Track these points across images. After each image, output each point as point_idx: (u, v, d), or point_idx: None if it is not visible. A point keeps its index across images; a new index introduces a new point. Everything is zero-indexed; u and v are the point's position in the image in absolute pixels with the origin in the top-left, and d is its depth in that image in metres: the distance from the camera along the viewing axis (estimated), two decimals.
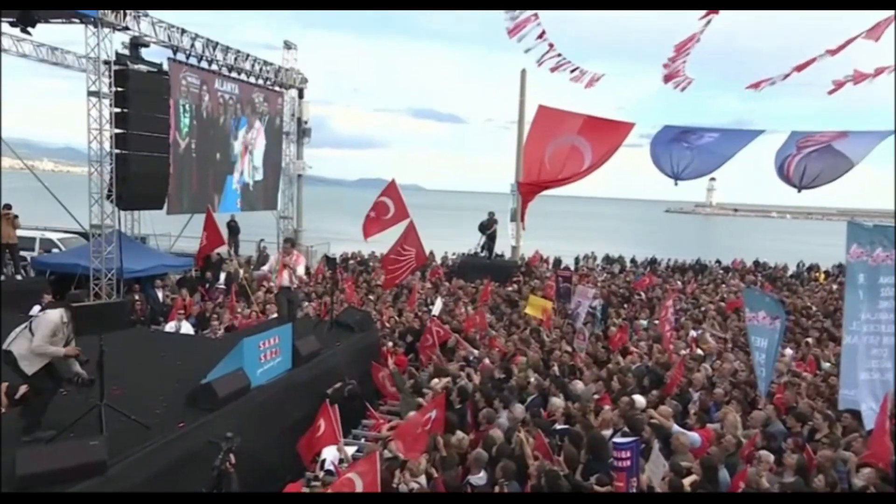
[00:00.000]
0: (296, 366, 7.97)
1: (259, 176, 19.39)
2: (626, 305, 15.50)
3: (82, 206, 13.30)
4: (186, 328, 10.94)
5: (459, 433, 6.97)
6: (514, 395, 8.24)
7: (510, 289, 16.85)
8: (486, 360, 9.96)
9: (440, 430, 6.77)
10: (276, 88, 20.32)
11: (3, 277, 11.64)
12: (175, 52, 15.11)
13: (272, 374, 7.48)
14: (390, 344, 11.04)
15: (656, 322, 12.63)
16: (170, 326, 10.95)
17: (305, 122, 22.48)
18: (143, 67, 13.77)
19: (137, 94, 13.21)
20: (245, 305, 13.05)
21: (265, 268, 10.10)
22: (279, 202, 21.22)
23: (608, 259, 24.99)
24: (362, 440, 7.79)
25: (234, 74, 17.77)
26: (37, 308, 9.46)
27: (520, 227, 21.36)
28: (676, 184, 18.43)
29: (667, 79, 11.61)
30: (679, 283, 19.11)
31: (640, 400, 7.74)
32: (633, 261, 24.26)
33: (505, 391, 8.28)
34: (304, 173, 22.98)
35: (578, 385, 8.59)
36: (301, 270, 10.40)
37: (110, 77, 12.76)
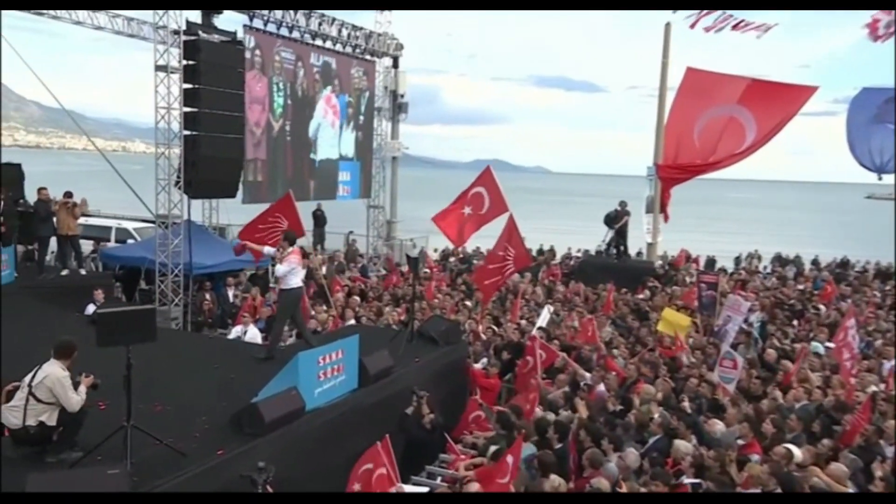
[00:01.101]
0: (362, 385, 7.88)
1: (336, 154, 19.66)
2: (796, 322, 14.09)
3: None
4: (253, 334, 11.27)
5: (555, 478, 6.53)
6: (631, 434, 7.68)
7: (641, 296, 15.93)
8: (601, 387, 9.37)
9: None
10: (368, 57, 20.63)
11: (65, 272, 12.65)
12: (252, 19, 15.68)
13: (333, 394, 7.42)
14: (484, 361, 10.75)
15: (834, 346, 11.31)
16: (235, 331, 11.35)
17: (401, 96, 22.70)
18: (215, 37, 14.42)
19: (210, 68, 13.82)
20: (324, 308, 13.28)
21: (266, 249, 9.80)
22: (371, 189, 21.58)
23: (780, 259, 23.04)
24: (438, 479, 7.53)
25: (318, 42, 18.20)
26: (91, 307, 10.15)
27: (658, 219, 20.20)
28: (880, 178, 16.46)
29: (871, 29, 10.24)
30: (877, 294, 17.10)
31: (800, 452, 6.86)
32: (814, 262, 22.18)
33: (618, 428, 7.73)
34: (398, 155, 23.25)
35: (718, 426, 7.82)
36: (278, 270, 9.47)
37: (180, 49, 13.43)
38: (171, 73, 13.37)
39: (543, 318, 12.37)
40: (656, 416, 8.02)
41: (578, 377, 9.87)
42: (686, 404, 8.52)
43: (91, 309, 9.85)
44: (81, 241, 16.73)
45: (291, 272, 8.82)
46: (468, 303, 14.62)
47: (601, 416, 8.16)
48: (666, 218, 20.83)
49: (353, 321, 12.09)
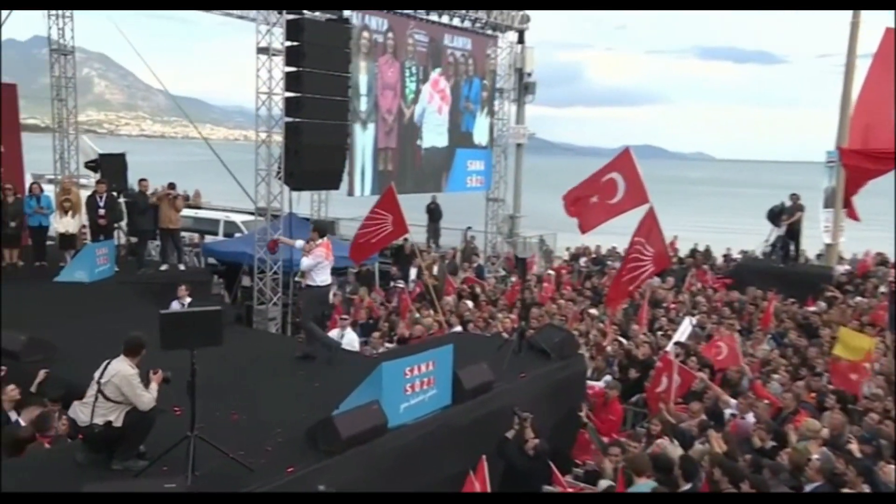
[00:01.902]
0: (457, 402, 7.76)
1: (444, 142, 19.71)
2: None
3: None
4: (350, 339, 11.48)
5: None
6: (781, 478, 7.10)
7: (812, 309, 14.72)
8: (749, 417, 8.71)
9: None
10: (489, 32, 20.57)
11: (164, 267, 13.52)
12: None
13: (421, 411, 7.35)
14: (608, 379, 10.34)
15: None
16: (330, 335, 11.60)
17: (528, 75, 22.46)
18: (320, 15, 14.85)
19: (314, 49, 14.23)
20: (430, 312, 13.34)
21: (298, 243, 9.78)
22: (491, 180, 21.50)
23: None
24: None
25: (433, 17, 18.33)
26: (175, 304, 10.74)
27: (840, 215, 18.65)
28: None
29: None
30: None
31: None
32: None
33: (765, 470, 7.13)
34: (523, 142, 23.01)
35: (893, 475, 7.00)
36: (303, 263, 9.48)
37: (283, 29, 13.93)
38: (273, 55, 13.90)
39: (683, 332, 11.74)
40: (815, 457, 7.32)
41: (721, 404, 9.24)
42: (856, 446, 7.71)
43: (175, 306, 10.42)
44: (192, 235, 18.05)
45: (318, 267, 8.89)
46: (594, 311, 14.17)
47: (744, 454, 7.57)
48: (851, 214, 19.18)
49: (459, 328, 12.03)
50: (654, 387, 9.63)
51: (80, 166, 17.15)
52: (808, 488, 7.03)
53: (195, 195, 29.97)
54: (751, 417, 8.75)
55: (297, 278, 9.52)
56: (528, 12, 21.02)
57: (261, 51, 13.82)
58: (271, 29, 13.84)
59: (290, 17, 14.09)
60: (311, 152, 14.30)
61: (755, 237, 21.06)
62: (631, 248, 12.11)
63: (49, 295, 11.74)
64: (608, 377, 10.76)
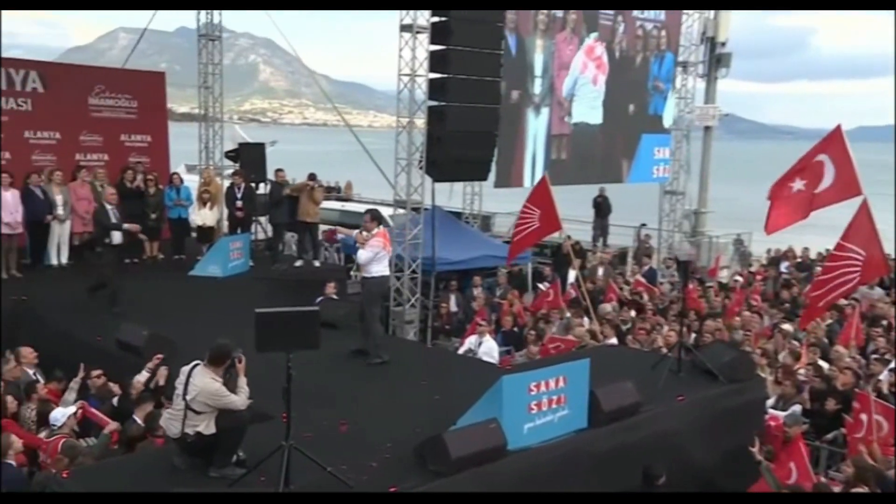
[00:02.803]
0: (594, 425, 7.55)
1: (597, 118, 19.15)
2: None
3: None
4: (489, 347, 11.50)
5: None
6: None
7: None
8: None
9: None
10: None
11: (299, 263, 14.21)
12: None
13: (550, 433, 7.22)
14: (795, 411, 9.66)
15: None
16: (468, 343, 11.71)
17: (722, 45, 21.62)
18: None
19: (462, 26, 14.38)
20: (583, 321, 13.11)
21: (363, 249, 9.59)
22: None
23: None
24: None
25: None
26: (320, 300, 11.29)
27: None
28: None
29: None
30: None
31: None
32: None
33: None
34: (713, 124, 22.05)
35: None
36: (360, 256, 9.62)
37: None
38: (418, 33, 14.18)
39: None
40: None
41: None
42: None
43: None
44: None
45: (376, 258, 9.14)
46: (788, 326, 13.27)
47: None
48: None
49: (614, 340, 11.72)
50: (853, 430, 8.87)
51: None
52: None
53: (346, 187, 31.40)
54: None
55: (352, 272, 9.82)
56: None
57: (404, 28, 14.12)
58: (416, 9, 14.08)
59: None
60: (456, 139, 14.43)
61: None
62: (837, 251, 11.28)
63: (182, 289, 12.73)
64: (796, 408, 10.06)
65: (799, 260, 20.39)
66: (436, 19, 14.32)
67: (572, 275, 16.71)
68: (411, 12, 14.14)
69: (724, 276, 19.52)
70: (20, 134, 15.79)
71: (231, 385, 6.25)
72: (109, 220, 11.58)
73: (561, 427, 7.33)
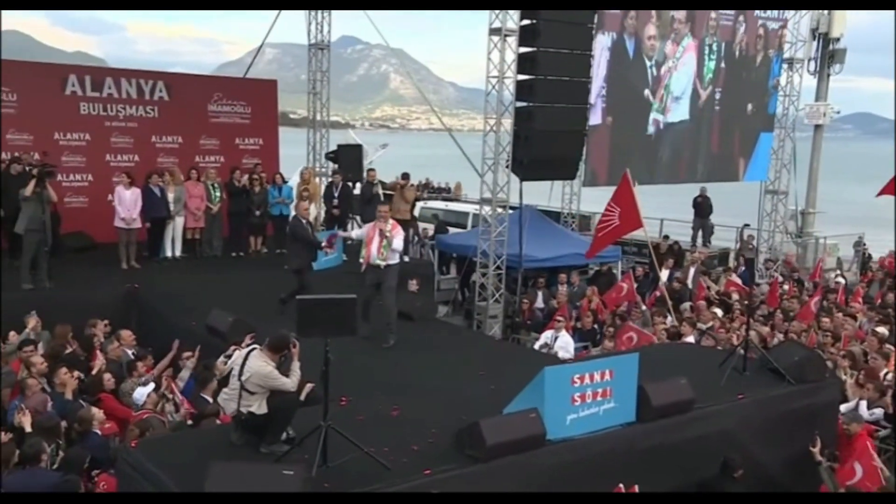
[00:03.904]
0: (642, 420, 7.33)
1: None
2: None
3: None
4: (565, 342, 11.37)
5: None
6: None
7: None
8: None
9: None
10: None
11: (405, 258, 14.40)
12: None
13: (595, 425, 7.05)
14: (878, 412, 9.09)
15: None
16: (543, 337, 11.59)
17: (836, 41, 20.63)
18: None
19: (551, 28, 14.27)
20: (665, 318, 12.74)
21: (354, 233, 9.94)
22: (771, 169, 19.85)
23: None
24: None
25: None
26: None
27: None
28: None
29: None
30: None
31: None
32: None
33: None
34: (824, 122, 20.96)
35: None
36: (398, 244, 10.18)
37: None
38: (507, 35, 14.14)
39: None
40: None
41: None
42: None
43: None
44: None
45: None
46: (882, 329, 12.42)
47: None
48: None
49: (691, 338, 11.31)
50: None
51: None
52: None
53: (456, 188, 31.76)
54: None
55: (378, 260, 10.01)
56: None
57: (493, 31, 14.10)
58: (506, 12, 14.05)
59: None
60: (543, 138, 14.34)
61: None
62: None
63: (278, 281, 13.16)
64: (878, 411, 9.45)
65: None
66: (525, 22, 14.26)
67: (665, 274, 16.27)
68: (500, 15, 14.13)
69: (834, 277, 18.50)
70: (148, 138, 16.80)
71: (284, 369, 6.44)
72: (312, 238, 11.70)
73: (607, 420, 7.14)
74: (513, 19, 14.16)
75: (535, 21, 14.27)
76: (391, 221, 10.01)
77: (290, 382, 6.35)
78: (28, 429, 7.32)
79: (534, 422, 6.66)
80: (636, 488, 6.27)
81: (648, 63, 17.28)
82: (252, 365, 6.33)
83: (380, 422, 7.18)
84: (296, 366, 6.46)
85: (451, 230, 19.41)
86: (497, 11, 14.18)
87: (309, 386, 8.35)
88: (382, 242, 9.94)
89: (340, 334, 6.04)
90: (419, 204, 21.97)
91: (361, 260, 10.26)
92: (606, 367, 7.18)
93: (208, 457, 6.26)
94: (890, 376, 10.38)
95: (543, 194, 18.77)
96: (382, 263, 10.01)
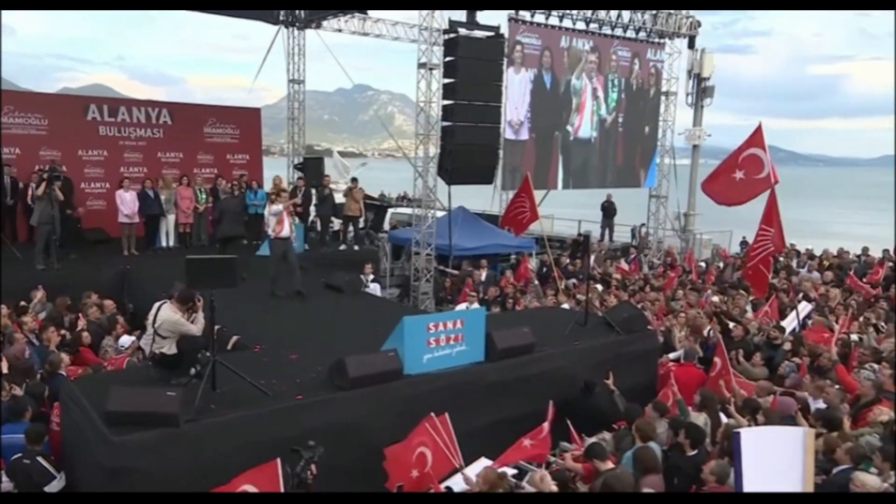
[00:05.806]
0: (490, 360, 7.35)
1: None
2: None
3: None
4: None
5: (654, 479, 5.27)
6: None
7: None
8: (819, 403, 7.15)
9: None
10: (656, 40, 19.19)
11: (343, 247, 14.42)
12: (517, 10, 15.78)
13: (449, 363, 7.08)
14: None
15: None
16: (459, 308, 11.59)
17: (706, 80, 20.83)
18: (478, 33, 14.87)
19: (467, 62, 14.35)
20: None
21: (268, 211, 10.07)
22: (655, 178, 20.01)
23: None
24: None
25: (593, 27, 17.53)
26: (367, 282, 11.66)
27: None
28: None
29: None
30: None
31: None
32: None
33: None
34: (699, 143, 21.12)
35: None
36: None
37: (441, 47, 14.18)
38: (431, 69, 14.19)
39: (790, 321, 9.95)
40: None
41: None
42: None
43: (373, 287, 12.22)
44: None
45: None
46: (715, 298, 12.55)
47: None
48: None
49: (566, 305, 11.34)
50: (712, 369, 8.30)
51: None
52: (834, 471, 5.65)
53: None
54: (821, 403, 7.18)
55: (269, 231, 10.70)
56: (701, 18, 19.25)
57: (420, 66, 14.16)
58: (431, 48, 14.10)
59: (448, 36, 14.35)
60: (464, 151, 14.42)
61: None
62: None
63: (248, 265, 13.14)
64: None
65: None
66: (448, 59, 14.35)
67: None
68: (426, 51, 14.16)
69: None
70: (154, 154, 16.73)
71: (190, 318, 6.44)
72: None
73: (459, 359, 7.18)
74: (437, 56, 14.24)
75: (454, 58, 14.36)
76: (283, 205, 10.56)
77: (194, 328, 6.35)
78: (5, 370, 7.29)
79: (392, 359, 6.69)
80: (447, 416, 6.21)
81: (563, 92, 17.66)
82: (163, 314, 6.33)
83: (279, 363, 7.16)
84: (199, 316, 6.45)
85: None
86: (423, 47, 14.24)
87: (234, 338, 8.37)
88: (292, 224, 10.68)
89: (224, 286, 6.02)
90: (390, 210, 22.13)
91: (272, 234, 10.61)
92: (458, 317, 7.25)
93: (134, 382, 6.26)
94: (713, 333, 10.33)
95: (486, 198, 18.97)
96: (292, 237, 10.78)
